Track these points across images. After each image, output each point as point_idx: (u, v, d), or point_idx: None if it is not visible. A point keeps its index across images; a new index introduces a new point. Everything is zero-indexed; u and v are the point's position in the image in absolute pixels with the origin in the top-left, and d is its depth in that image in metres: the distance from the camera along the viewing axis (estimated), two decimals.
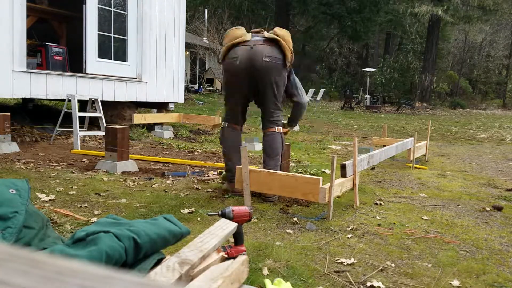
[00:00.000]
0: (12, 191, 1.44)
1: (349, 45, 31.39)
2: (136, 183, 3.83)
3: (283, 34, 3.47)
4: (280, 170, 3.54)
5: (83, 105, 6.65)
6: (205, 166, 4.81)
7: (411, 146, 5.33)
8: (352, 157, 3.47)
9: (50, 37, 7.41)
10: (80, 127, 5.64)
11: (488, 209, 3.50)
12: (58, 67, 6.63)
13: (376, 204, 3.50)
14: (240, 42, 3.41)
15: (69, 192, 3.39)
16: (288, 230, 2.73)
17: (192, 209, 3.08)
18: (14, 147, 5.04)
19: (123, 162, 4.33)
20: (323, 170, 4.80)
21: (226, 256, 1.35)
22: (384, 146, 5.25)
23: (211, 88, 21.32)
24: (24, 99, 8.07)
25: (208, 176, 4.25)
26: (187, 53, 19.49)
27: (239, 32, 3.48)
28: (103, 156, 4.56)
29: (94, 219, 2.71)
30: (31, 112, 7.39)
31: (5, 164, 4.31)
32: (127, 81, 6.96)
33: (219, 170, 4.51)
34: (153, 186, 3.77)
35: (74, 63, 6.92)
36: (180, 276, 1.10)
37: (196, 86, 20.13)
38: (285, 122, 3.95)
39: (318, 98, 23.15)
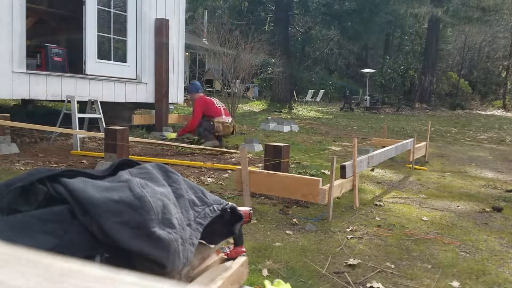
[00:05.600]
0: None
1: (349, 46, 31.41)
2: None
3: None
4: None
5: (83, 106, 6.65)
6: (204, 166, 4.81)
7: (410, 147, 5.33)
8: (351, 158, 3.47)
9: (49, 38, 7.41)
10: (79, 128, 5.64)
11: (488, 210, 3.50)
12: (57, 68, 6.62)
13: (376, 205, 3.50)
14: None
15: None
16: (287, 231, 2.73)
17: None
18: (13, 148, 5.03)
19: None
20: (322, 171, 4.80)
21: (225, 257, 1.35)
22: (383, 147, 5.25)
23: (210, 89, 21.32)
24: (23, 100, 8.07)
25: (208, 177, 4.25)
26: (187, 54, 19.49)
27: None
28: (102, 157, 4.56)
29: None
30: (31, 113, 7.39)
31: (4, 165, 4.31)
32: (126, 82, 6.96)
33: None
34: None
35: (74, 64, 6.92)
36: (180, 277, 1.10)
37: None
38: None
39: (318, 99, 23.17)
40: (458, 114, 21.25)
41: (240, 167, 3.13)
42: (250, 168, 3.13)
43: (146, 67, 7.26)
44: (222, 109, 6.52)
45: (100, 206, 0.97)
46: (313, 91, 23.14)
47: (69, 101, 5.71)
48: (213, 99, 6.66)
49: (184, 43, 8.31)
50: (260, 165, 4.87)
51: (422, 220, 3.13)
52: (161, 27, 7.34)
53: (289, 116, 14.42)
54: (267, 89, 24.02)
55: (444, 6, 21.55)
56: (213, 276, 1.15)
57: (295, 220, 2.95)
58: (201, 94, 6.68)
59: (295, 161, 5.47)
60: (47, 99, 5.94)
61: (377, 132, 10.55)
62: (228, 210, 1.29)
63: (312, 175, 4.48)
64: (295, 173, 4.31)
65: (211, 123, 6.30)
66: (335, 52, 33.01)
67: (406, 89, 26.59)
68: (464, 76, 31.40)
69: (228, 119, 6.46)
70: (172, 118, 8.08)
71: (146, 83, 7.29)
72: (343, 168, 3.32)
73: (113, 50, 6.95)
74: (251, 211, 1.93)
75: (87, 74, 6.39)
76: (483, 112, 23.45)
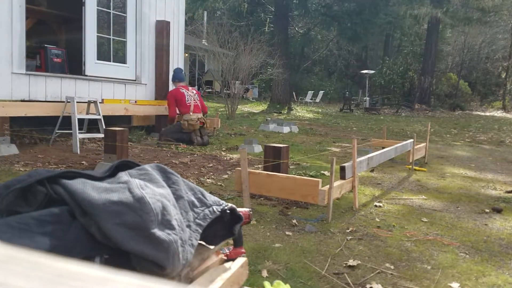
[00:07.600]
0: None
1: (348, 47, 31.44)
2: None
3: None
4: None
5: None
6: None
7: (410, 148, 5.33)
8: (351, 159, 3.47)
9: (49, 39, 7.41)
10: (79, 129, 5.64)
11: (488, 211, 3.50)
12: (57, 69, 6.63)
13: (376, 206, 3.50)
14: None
15: None
16: (287, 232, 2.73)
17: None
18: (13, 149, 5.03)
19: None
20: (322, 172, 4.80)
21: (225, 258, 1.35)
22: (383, 148, 5.25)
23: (210, 90, 21.33)
24: (23, 102, 8.03)
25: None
26: (186, 55, 19.50)
27: None
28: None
29: None
30: None
31: (4, 166, 4.30)
32: (126, 83, 6.96)
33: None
34: None
35: (73, 65, 6.92)
36: (180, 278, 1.10)
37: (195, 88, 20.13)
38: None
39: (317, 100, 23.17)
40: (457, 115, 21.26)
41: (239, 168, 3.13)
42: (249, 169, 3.13)
43: (145, 68, 7.26)
44: (192, 105, 6.78)
45: (100, 207, 0.97)
46: (312, 92, 23.12)
47: (68, 102, 5.71)
48: (185, 94, 6.89)
49: (184, 44, 8.31)
50: (259, 166, 4.87)
51: (422, 221, 3.13)
52: (162, 29, 7.34)
53: (288, 117, 14.42)
54: (266, 90, 24.05)
55: (443, 7, 21.56)
56: (213, 277, 1.15)
57: (294, 221, 2.95)
58: (180, 84, 7.02)
59: (295, 162, 5.47)
60: (47, 100, 5.93)
61: (377, 133, 10.55)
62: (228, 211, 1.29)
63: (311, 176, 4.48)
64: (294, 174, 4.31)
65: (178, 122, 6.78)
66: (335, 53, 33.03)
67: (405, 90, 26.59)
68: (464, 77, 31.42)
69: (194, 116, 6.72)
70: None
71: (146, 84, 7.30)
72: (342, 169, 3.32)
73: (112, 51, 6.95)
74: (251, 212, 1.93)
75: (86, 75, 6.39)
76: (482, 113, 23.45)
